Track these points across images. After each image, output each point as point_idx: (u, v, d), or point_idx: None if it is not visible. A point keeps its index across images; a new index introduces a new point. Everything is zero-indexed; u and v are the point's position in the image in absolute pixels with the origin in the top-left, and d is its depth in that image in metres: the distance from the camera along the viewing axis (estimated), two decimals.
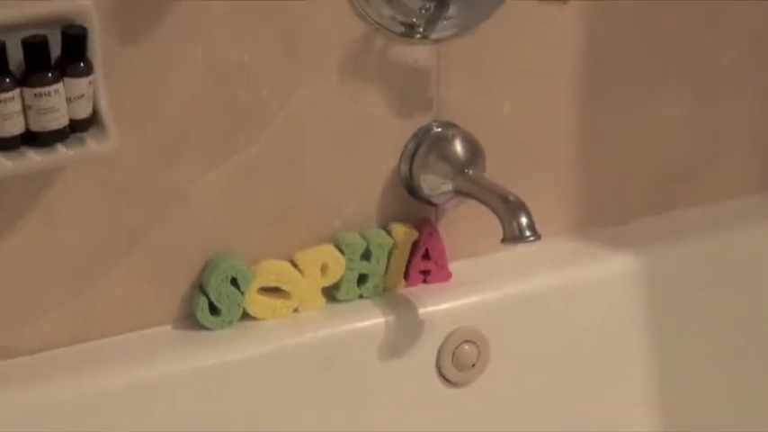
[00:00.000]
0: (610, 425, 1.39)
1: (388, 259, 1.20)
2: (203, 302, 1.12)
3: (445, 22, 1.18)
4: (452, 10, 1.18)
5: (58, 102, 1.00)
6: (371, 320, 1.18)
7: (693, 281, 1.35)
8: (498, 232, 1.11)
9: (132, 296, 1.14)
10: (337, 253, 1.17)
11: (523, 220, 1.10)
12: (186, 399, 1.14)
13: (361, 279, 1.19)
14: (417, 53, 1.19)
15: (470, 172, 1.18)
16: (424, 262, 1.21)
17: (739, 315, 1.39)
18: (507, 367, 1.25)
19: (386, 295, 1.21)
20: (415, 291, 1.22)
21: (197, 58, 1.10)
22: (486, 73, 1.23)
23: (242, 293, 1.13)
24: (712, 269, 1.36)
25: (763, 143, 1.42)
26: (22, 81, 0.99)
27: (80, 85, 1.00)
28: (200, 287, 1.13)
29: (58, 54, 1.00)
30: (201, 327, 1.14)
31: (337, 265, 1.18)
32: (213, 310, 1.13)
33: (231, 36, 1.11)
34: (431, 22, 1.17)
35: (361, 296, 1.20)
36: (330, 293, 1.19)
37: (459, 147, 1.19)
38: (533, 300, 1.26)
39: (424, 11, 1.16)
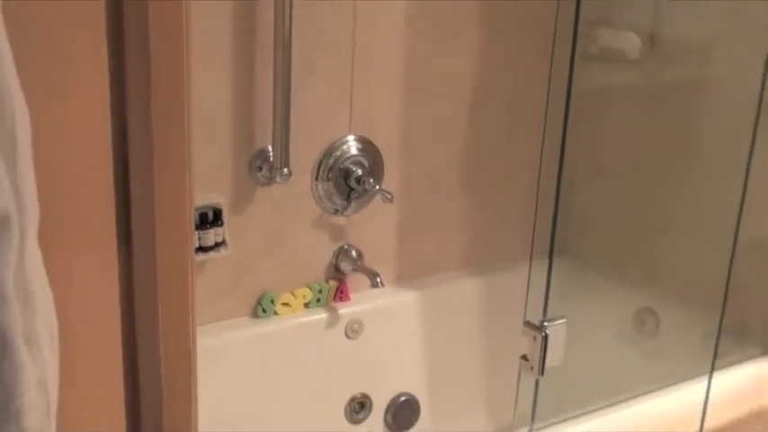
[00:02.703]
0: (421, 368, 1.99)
1: (328, 293, 1.93)
2: (260, 308, 1.86)
3: (349, 209, 1.92)
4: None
5: (210, 237, 1.76)
6: (322, 315, 1.94)
7: (443, 308, 2.05)
8: (368, 283, 1.92)
9: (233, 306, 1.85)
10: (309, 291, 1.92)
11: (378, 279, 1.91)
12: (253, 344, 1.85)
13: (318, 300, 1.92)
14: (341, 220, 1.92)
15: (359, 262, 1.97)
16: (340, 294, 1.95)
17: (467, 329, 2.08)
18: (372, 333, 1.99)
19: (327, 306, 1.93)
20: (338, 304, 1.94)
21: (261, 226, 1.82)
22: (363, 229, 1.96)
23: (274, 305, 1.87)
24: (453, 304, 2.07)
25: (472, 254, 2.12)
26: (197, 228, 1.73)
27: (219, 230, 1.77)
28: (259, 302, 1.86)
29: (212, 218, 1.75)
30: (258, 317, 1.86)
31: (309, 295, 1.91)
32: (263, 311, 1.85)
33: (275, 218, 1.83)
34: (344, 209, 1.92)
35: (318, 306, 1.93)
36: (307, 305, 1.91)
37: (354, 254, 1.98)
38: (380, 308, 2.01)
39: (342, 204, 1.91)
